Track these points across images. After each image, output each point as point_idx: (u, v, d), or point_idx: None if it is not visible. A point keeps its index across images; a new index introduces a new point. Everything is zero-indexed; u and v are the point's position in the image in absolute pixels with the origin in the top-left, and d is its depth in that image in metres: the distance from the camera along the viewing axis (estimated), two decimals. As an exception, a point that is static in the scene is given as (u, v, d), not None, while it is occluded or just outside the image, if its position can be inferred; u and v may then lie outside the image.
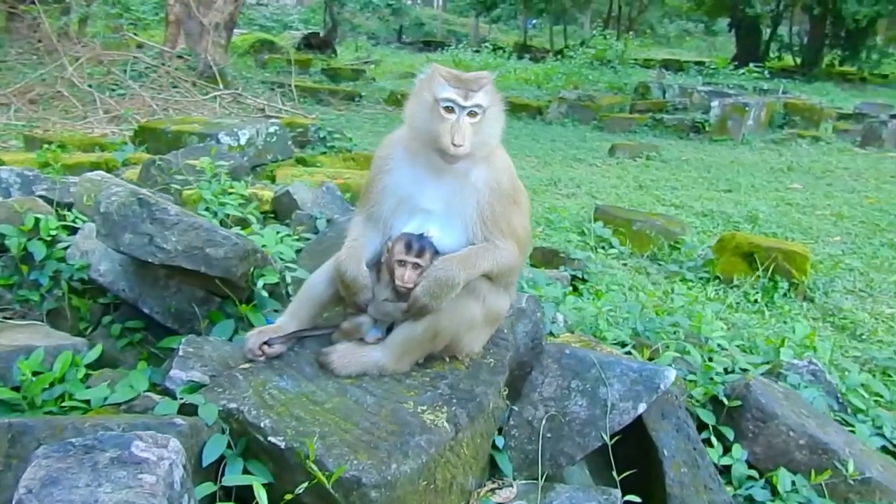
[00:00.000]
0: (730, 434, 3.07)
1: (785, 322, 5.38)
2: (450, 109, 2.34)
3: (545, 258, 5.98)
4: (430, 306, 2.34)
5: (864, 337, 5.36)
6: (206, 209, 4.14)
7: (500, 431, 2.66)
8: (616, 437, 2.64)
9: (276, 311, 3.14)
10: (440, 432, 2.23)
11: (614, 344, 3.70)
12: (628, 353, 3.56)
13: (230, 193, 4.41)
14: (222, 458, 2.16)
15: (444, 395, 2.39)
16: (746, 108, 14.73)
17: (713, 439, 3.05)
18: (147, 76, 12.21)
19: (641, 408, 2.70)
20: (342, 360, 2.45)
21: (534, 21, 36.76)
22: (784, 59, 29.68)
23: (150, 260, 2.81)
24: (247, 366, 2.48)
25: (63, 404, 2.44)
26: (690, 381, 3.40)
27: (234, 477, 2.10)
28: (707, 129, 14.68)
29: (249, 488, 2.05)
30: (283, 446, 2.09)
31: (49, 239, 3.24)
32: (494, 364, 2.62)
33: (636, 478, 2.56)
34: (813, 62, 27.64)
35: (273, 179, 7.18)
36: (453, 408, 2.33)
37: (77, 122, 9.99)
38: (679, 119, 15.39)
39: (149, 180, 4.95)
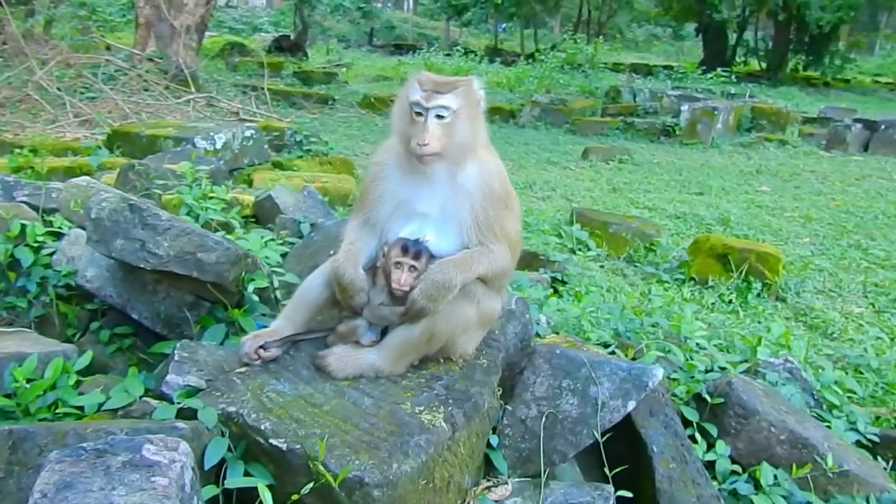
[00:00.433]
0: (713, 430, 3.14)
1: (759, 322, 5.51)
2: (419, 113, 2.40)
3: (525, 260, 6.02)
4: (427, 309, 2.38)
5: (835, 336, 5.51)
6: (189, 213, 4.12)
7: (494, 430, 2.71)
8: (607, 435, 2.70)
9: (265, 315, 3.15)
10: (438, 432, 2.27)
11: (597, 344, 3.77)
12: (612, 353, 3.62)
13: (211, 198, 4.39)
14: (223, 461, 2.17)
15: (440, 395, 2.44)
16: (715, 112, 14.98)
17: (697, 436, 3.12)
18: (118, 79, 11.99)
19: (631, 406, 2.76)
20: (339, 362, 2.47)
21: (504, 25, 36.94)
22: (750, 63, 30.21)
23: (142, 265, 2.81)
24: (243, 370, 2.49)
25: (57, 411, 2.43)
26: (673, 379, 3.48)
27: (237, 479, 2.11)
28: (677, 132, 14.90)
29: (250, 491, 2.06)
30: (285, 448, 2.11)
31: (36, 245, 3.22)
32: (488, 365, 2.67)
33: (626, 474, 2.62)
34: (778, 67, 28.22)
35: (250, 184, 7.17)
36: (450, 408, 2.38)
37: (47, 126, 9.80)
38: (650, 123, 15.58)
39: (127, 185, 4.88)
